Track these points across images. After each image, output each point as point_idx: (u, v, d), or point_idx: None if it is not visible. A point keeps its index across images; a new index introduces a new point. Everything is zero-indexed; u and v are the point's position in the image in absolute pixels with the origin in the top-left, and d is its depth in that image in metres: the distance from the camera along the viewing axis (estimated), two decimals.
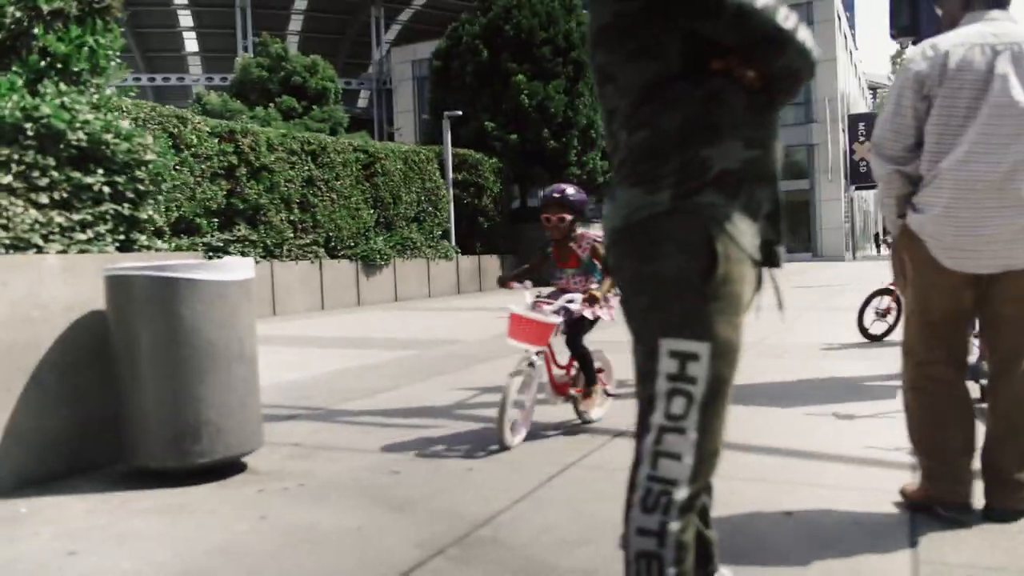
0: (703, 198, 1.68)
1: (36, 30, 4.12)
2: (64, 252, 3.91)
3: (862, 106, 50.68)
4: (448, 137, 18.48)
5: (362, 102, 52.91)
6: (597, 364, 4.53)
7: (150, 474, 3.63)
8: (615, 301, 4.12)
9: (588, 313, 4.19)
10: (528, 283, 4.39)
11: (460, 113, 19.13)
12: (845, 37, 41.63)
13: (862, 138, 39.59)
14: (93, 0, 4.43)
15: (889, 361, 6.50)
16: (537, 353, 4.15)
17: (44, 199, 3.88)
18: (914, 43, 6.23)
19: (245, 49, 43.34)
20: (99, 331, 3.84)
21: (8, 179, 3.70)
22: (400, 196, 16.67)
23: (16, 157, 3.75)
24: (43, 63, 4.19)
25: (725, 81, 1.69)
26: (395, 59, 47.58)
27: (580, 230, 4.32)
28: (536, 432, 4.42)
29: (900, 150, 2.77)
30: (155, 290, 3.54)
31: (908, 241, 2.82)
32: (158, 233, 4.32)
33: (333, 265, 14.83)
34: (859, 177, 40.11)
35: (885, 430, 4.24)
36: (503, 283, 4.51)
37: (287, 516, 3.13)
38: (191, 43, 53.67)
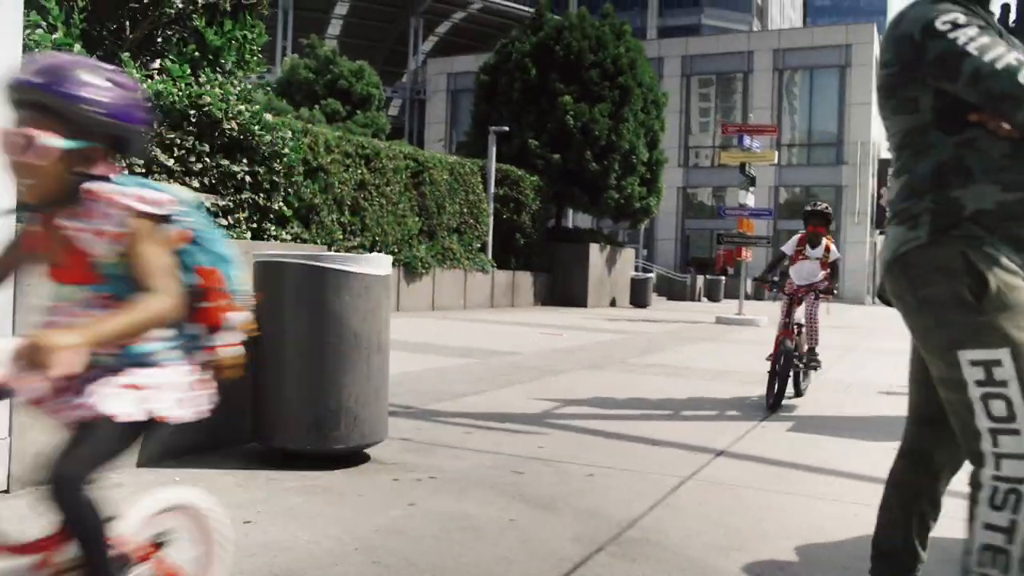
0: (959, 231, 1.86)
1: (196, 22, 4.31)
2: None
3: None
4: (493, 152, 18.69)
5: (393, 110, 53.38)
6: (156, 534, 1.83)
7: (285, 455, 3.77)
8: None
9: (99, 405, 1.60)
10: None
11: (507, 129, 19.35)
12: None
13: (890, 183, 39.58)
14: None
15: None
16: None
17: (195, 183, 4.05)
18: None
19: (284, 50, 43.82)
20: None
21: (171, 162, 3.87)
22: (444, 206, 16.87)
23: (179, 141, 3.92)
24: (196, 53, 4.38)
25: (979, 131, 1.87)
26: (431, 70, 48.03)
27: (106, 186, 1.67)
28: (637, 447, 4.55)
29: None
30: (308, 279, 3.70)
31: None
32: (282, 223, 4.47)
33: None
34: (885, 221, 40.06)
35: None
36: None
37: (436, 505, 3.26)
38: None
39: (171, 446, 3.75)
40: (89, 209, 1.66)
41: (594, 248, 21.35)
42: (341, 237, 13.97)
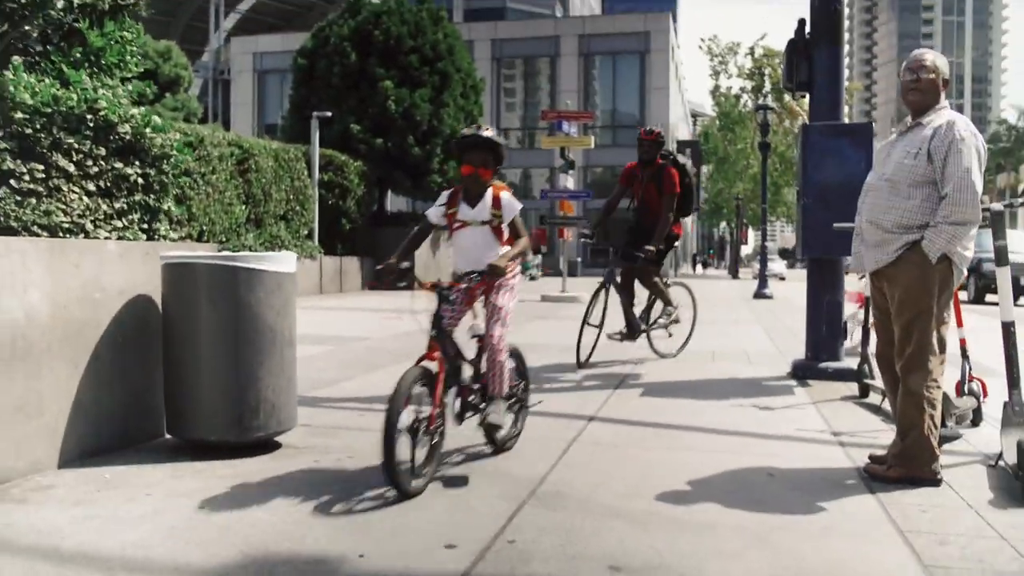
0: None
1: (79, 24, 4.31)
2: (108, 238, 4.15)
3: (685, 131, 54.30)
4: (316, 137, 18.56)
5: (193, 91, 50.97)
6: None
7: (203, 447, 3.96)
8: None
9: None
10: None
11: (329, 114, 19.24)
12: (676, 67, 44.63)
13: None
14: None
15: (768, 366, 7.58)
16: None
17: (92, 187, 4.11)
18: (804, 97, 7.34)
19: None
20: (144, 314, 4.12)
21: (71, 167, 3.93)
22: (271, 194, 16.65)
23: (76, 146, 3.97)
24: (79, 55, 4.39)
25: None
26: (235, 49, 46.21)
27: None
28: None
29: None
30: (221, 278, 3.89)
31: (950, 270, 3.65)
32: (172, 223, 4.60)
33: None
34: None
35: (803, 418, 5.18)
36: None
37: (367, 480, 3.59)
38: None
39: (86, 447, 3.84)
40: None
41: None
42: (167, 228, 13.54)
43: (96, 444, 3.89)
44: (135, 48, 4.67)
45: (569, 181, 17.56)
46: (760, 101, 32.66)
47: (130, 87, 4.59)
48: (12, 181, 3.74)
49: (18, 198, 3.74)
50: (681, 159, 7.83)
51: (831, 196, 6.23)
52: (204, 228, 14.48)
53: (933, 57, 3.74)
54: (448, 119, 21.14)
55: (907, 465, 3.64)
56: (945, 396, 4.31)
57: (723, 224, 59.63)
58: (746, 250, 58.23)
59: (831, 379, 6.51)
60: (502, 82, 42.47)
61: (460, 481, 3.62)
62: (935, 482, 3.62)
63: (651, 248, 7.20)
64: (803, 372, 6.80)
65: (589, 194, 18.69)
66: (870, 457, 3.94)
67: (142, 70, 4.82)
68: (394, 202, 32.12)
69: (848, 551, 2.87)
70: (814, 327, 6.88)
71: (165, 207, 4.56)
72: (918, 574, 2.67)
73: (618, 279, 7.54)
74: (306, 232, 18.12)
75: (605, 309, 7.39)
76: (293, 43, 40.24)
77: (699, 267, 60.68)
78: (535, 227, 34.13)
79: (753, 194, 41.66)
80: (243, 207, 15.66)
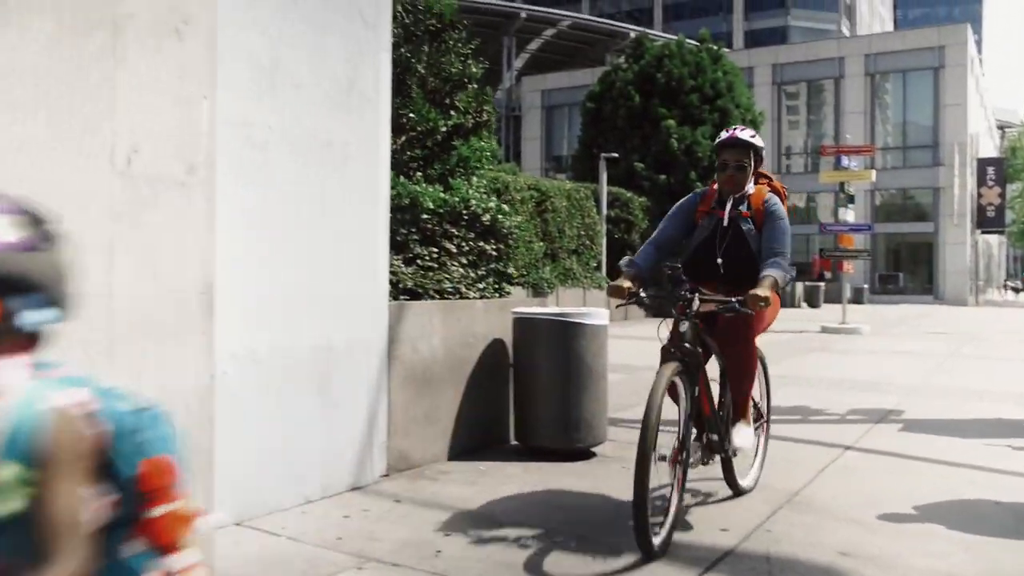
0: None
1: (455, 141, 6.06)
2: (476, 298, 5.79)
3: (989, 146, 50.27)
4: (604, 177, 20.29)
5: None
6: None
7: (540, 451, 5.44)
8: None
9: None
10: None
11: (616, 155, 20.93)
12: (977, 80, 41.71)
13: (991, 183, 39.62)
14: (477, 116, 6.36)
15: None
16: None
17: (464, 261, 5.78)
18: None
19: None
20: (499, 352, 5.70)
21: (453, 248, 5.61)
22: (564, 230, 18.56)
23: (456, 233, 5.66)
24: (453, 163, 6.13)
25: None
26: (525, 88, 49.85)
27: None
28: (786, 444, 6.07)
29: None
30: (556, 329, 5.37)
31: None
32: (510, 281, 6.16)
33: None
34: (986, 221, 40.06)
35: None
36: None
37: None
38: None
39: (463, 446, 5.46)
40: None
41: None
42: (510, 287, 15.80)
43: (468, 445, 5.51)
44: (488, 153, 6.34)
45: (849, 215, 17.76)
46: None
47: (484, 180, 6.25)
48: (418, 261, 5.48)
49: (422, 272, 5.46)
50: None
51: None
52: None
53: None
54: None
55: None
56: None
57: None
58: None
59: None
60: (784, 101, 42.13)
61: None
62: None
63: None
64: None
65: (871, 227, 18.71)
66: None
67: (491, 168, 6.49)
68: None
69: None
70: None
71: (510, 271, 6.15)
72: None
73: None
74: (595, 264, 19.85)
75: None
76: (578, 80, 42.90)
77: (1010, 292, 55.63)
78: (816, 256, 33.75)
79: None
80: (541, 244, 17.66)
